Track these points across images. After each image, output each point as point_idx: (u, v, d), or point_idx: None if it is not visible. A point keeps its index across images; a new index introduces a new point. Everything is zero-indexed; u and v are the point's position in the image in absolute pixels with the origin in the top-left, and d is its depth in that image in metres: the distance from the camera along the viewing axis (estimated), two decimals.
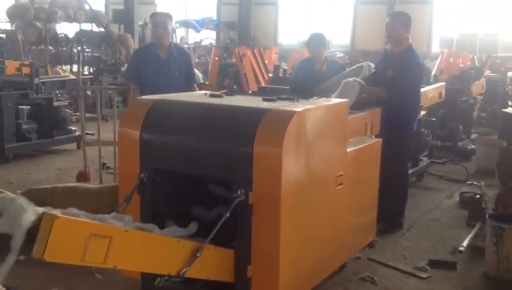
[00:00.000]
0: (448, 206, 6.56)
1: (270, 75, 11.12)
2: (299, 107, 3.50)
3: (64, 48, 16.27)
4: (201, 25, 22.10)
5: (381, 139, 4.59)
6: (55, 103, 8.99)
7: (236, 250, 3.42)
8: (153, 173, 3.62)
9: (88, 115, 9.56)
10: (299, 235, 3.49)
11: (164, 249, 2.97)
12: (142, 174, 3.62)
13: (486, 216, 4.82)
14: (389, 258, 4.89)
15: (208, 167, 3.48)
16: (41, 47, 15.29)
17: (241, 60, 13.54)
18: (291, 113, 3.33)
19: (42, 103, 8.59)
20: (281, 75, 10.11)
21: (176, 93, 4.19)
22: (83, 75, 13.08)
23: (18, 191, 5.44)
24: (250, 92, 6.71)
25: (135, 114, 3.78)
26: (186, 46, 16.69)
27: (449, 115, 9.01)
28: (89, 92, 11.38)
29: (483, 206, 5.95)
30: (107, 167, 7.34)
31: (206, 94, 4.20)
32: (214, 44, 20.90)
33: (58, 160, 8.46)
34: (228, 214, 3.24)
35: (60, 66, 15.04)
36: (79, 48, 16.53)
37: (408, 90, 5.44)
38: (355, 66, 5.33)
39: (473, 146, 9.31)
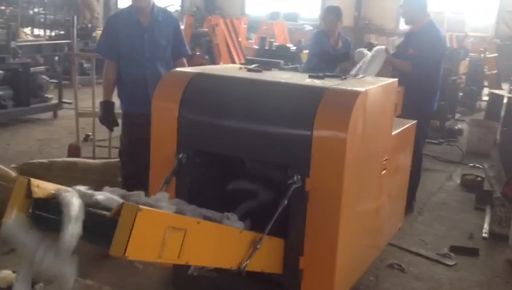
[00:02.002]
0: (452, 189, 6.46)
1: (256, 47, 10.82)
2: (358, 86, 3.23)
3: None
4: None
5: (415, 121, 4.38)
6: (32, 69, 8.39)
7: (286, 240, 3.16)
8: (192, 154, 3.31)
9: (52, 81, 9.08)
10: (353, 224, 3.26)
11: (229, 241, 2.70)
12: (180, 155, 3.31)
13: None
14: (409, 244, 4.75)
15: (259, 149, 3.18)
16: (2, 7, 14.49)
17: (213, 30, 13.16)
18: (356, 93, 3.05)
19: (19, 68, 8.00)
20: (267, 47, 9.88)
21: (211, 66, 3.84)
22: (52, 39, 12.45)
23: (12, 165, 5.04)
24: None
25: (172, 88, 3.43)
26: None
27: None
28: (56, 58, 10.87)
29: (490, 189, 5.87)
30: (91, 139, 6.93)
31: (241, 68, 3.88)
32: (179, 11, 20.26)
33: (36, 130, 7.95)
34: (286, 202, 2.98)
35: (21, 29, 14.29)
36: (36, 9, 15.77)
37: (428, 69, 5.25)
38: (374, 51, 5.09)
39: (459, 126, 9.30)
